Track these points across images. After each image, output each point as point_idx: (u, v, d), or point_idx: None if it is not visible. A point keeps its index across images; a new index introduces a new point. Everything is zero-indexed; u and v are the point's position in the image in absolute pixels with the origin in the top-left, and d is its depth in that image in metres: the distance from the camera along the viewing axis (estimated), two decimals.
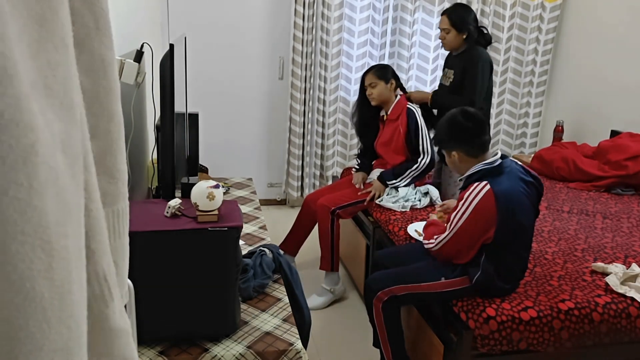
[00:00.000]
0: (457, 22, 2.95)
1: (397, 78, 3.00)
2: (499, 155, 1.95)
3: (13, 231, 0.44)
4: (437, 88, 3.26)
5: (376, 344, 2.18)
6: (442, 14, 3.04)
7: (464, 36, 2.98)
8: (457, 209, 1.89)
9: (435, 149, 2.78)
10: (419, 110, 2.95)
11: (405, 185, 2.93)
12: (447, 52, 3.22)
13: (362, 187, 3.05)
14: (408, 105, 2.95)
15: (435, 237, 2.01)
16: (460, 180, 2.03)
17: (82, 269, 0.56)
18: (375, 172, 3.06)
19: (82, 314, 0.54)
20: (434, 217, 2.28)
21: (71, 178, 0.53)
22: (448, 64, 3.19)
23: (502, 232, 1.85)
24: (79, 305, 0.53)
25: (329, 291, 2.91)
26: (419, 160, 2.91)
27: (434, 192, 2.95)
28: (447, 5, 4.23)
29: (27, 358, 0.46)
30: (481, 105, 3.00)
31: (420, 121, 2.91)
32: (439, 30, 4.25)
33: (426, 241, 2.06)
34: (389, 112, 2.99)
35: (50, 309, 0.48)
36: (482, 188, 1.84)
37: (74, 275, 0.52)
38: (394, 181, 2.94)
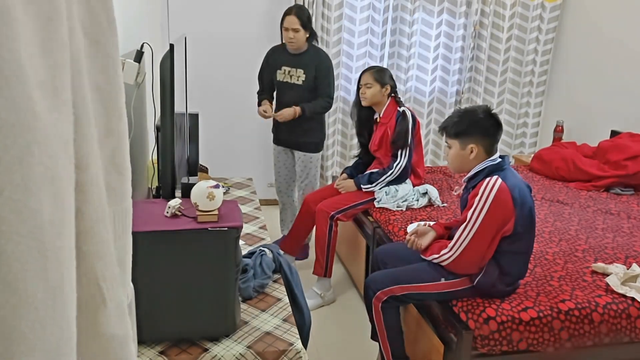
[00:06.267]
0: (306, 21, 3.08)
1: (394, 84, 2.98)
2: (499, 154, 1.98)
3: (8, 231, 0.44)
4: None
5: (374, 337, 2.19)
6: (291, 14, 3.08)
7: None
8: (474, 207, 1.85)
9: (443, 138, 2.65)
10: (410, 114, 2.90)
11: (379, 189, 2.93)
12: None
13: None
14: (400, 108, 2.92)
15: (449, 245, 1.92)
16: (464, 182, 2.03)
17: (73, 270, 0.56)
18: None
19: (72, 316, 0.54)
20: (427, 240, 2.07)
21: (68, 179, 0.53)
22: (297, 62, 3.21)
23: (518, 224, 1.86)
24: (70, 306, 0.53)
25: (319, 295, 2.91)
26: (394, 165, 2.88)
27: (433, 192, 2.94)
28: (446, 5, 4.23)
29: (20, 358, 0.46)
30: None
31: (410, 125, 2.87)
32: (439, 30, 4.28)
33: (435, 255, 1.96)
34: (381, 115, 2.98)
35: (44, 309, 0.48)
36: (495, 182, 1.85)
37: (65, 276, 0.52)
38: (368, 186, 2.94)
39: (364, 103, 2.97)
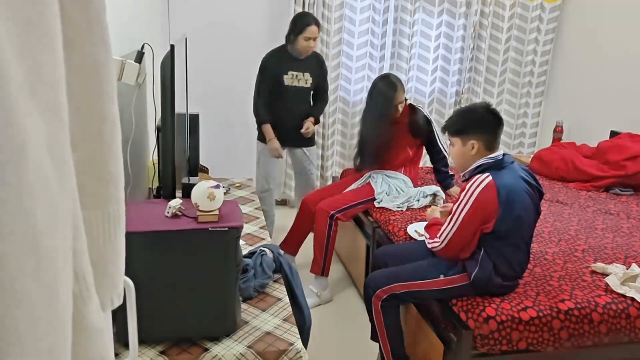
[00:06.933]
0: None
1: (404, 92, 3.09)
2: (502, 152, 1.99)
3: (2, 232, 0.44)
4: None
5: (374, 337, 2.20)
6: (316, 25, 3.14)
7: None
8: (460, 201, 1.92)
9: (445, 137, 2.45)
10: (423, 109, 3.03)
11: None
12: None
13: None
14: (411, 104, 3.02)
15: (438, 235, 2.00)
16: (464, 176, 2.04)
17: (69, 270, 0.56)
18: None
19: (67, 315, 0.54)
20: (436, 214, 2.26)
21: (58, 179, 0.53)
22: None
23: (501, 224, 1.87)
24: (65, 306, 0.53)
25: (315, 294, 2.91)
26: (448, 160, 3.01)
27: (441, 194, 2.95)
28: (446, 6, 4.24)
29: (15, 359, 0.46)
30: None
31: (431, 118, 3.03)
32: (439, 31, 4.29)
33: (430, 241, 2.06)
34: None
35: (39, 309, 0.48)
36: (483, 179, 1.88)
37: (61, 277, 0.52)
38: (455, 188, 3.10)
39: (397, 115, 2.94)
